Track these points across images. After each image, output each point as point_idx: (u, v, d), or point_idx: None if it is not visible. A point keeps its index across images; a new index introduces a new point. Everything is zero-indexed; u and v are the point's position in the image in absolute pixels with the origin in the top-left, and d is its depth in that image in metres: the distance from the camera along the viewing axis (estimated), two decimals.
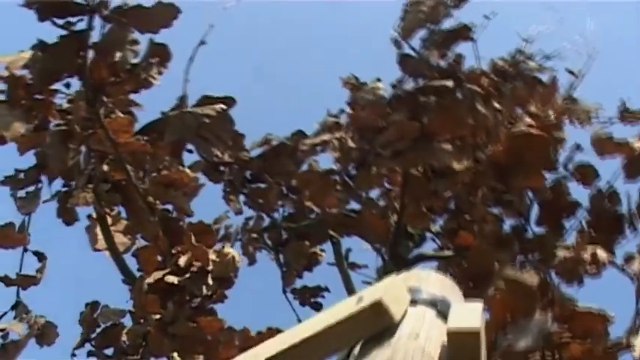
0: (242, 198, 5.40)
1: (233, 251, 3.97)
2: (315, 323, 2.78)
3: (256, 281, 6.10)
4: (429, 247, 6.54)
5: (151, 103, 4.55)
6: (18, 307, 3.92)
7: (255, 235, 5.48)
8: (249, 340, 3.80)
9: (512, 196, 5.82)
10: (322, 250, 5.81)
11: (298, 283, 5.86)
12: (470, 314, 2.88)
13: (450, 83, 4.31)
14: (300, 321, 5.41)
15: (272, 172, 5.38)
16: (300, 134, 5.59)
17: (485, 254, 5.43)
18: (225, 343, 3.78)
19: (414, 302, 3.06)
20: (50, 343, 3.99)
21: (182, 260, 3.90)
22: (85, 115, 3.72)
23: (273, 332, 3.84)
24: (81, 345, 3.94)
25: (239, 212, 5.40)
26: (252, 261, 5.43)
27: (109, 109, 3.88)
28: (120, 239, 4.26)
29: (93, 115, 3.73)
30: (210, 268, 3.89)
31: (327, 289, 5.94)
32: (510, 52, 7.00)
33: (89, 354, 4.16)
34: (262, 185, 5.38)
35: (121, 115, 3.85)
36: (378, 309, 2.62)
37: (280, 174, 5.40)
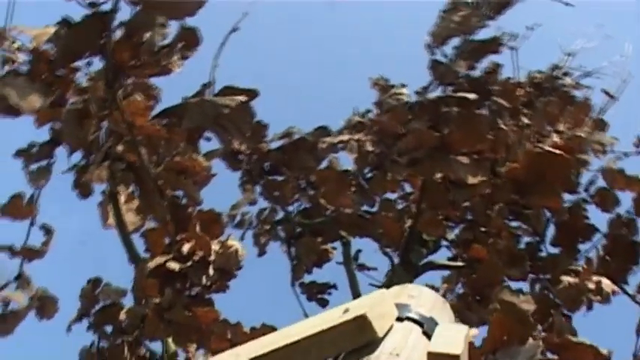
0: (258, 189, 5.43)
1: (237, 244, 3.99)
2: (299, 330, 2.78)
3: (265, 272, 6.14)
4: (442, 256, 6.53)
5: (179, 87, 4.58)
6: (20, 278, 3.97)
7: (267, 227, 5.50)
8: (242, 335, 3.82)
9: (529, 213, 5.77)
10: (334, 248, 5.82)
11: (307, 278, 5.90)
12: (453, 338, 2.86)
13: (472, 96, 4.26)
14: (306, 315, 5.40)
15: (291, 166, 5.39)
16: (322, 130, 5.58)
17: (495, 269, 5.39)
18: (218, 335, 3.80)
19: (401, 319, 3.05)
20: (50, 316, 4.05)
21: (185, 248, 3.93)
22: (103, 95, 3.75)
23: (267, 330, 3.86)
24: (78, 320, 3.98)
25: (253, 202, 5.43)
26: (262, 251, 5.45)
27: (128, 91, 3.90)
28: (131, 218, 4.29)
29: (111, 96, 3.75)
30: (212, 258, 3.91)
31: (334, 287, 5.95)
32: (550, 65, 6.94)
33: (89, 328, 4.21)
34: (279, 178, 5.39)
35: (139, 99, 3.87)
36: (361, 323, 2.62)
37: (299, 168, 5.40)
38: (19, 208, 3.89)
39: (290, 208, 5.57)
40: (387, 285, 5.53)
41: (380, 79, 5.65)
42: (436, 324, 3.11)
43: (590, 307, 5.17)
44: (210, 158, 4.13)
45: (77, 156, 4.42)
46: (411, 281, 5.65)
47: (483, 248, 5.61)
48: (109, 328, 4.19)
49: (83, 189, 4.40)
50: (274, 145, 5.35)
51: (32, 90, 3.47)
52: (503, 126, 4.37)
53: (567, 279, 4.15)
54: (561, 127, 6.01)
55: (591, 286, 3.99)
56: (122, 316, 4.14)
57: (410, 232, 5.55)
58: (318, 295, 5.94)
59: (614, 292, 4.13)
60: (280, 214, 5.54)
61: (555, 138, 5.78)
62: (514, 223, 5.87)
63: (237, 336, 3.81)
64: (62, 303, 4.19)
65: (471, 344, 4.19)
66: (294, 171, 5.32)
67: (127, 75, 3.85)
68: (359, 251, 5.80)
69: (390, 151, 4.60)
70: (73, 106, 3.67)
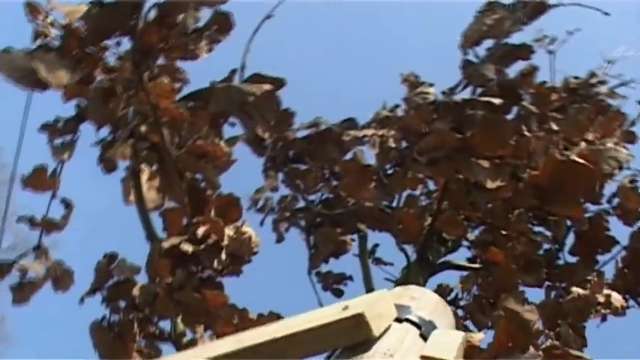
0: (281, 176, 5.48)
1: (251, 231, 4.04)
2: (299, 322, 2.84)
3: (283, 258, 6.20)
4: (462, 256, 6.53)
5: (212, 71, 4.64)
6: (39, 249, 4.07)
7: (287, 214, 5.55)
8: (247, 321, 3.88)
9: (550, 220, 5.75)
10: (352, 240, 5.85)
11: (324, 268, 5.95)
12: (447, 344, 2.90)
13: (497, 101, 4.25)
14: (320, 304, 5.46)
15: (315, 156, 5.42)
16: (350, 122, 5.61)
17: (510, 274, 5.39)
18: (225, 319, 3.86)
19: (400, 320, 3.10)
20: (65, 288, 4.14)
21: (200, 231, 3.99)
22: (130, 76, 3.82)
23: (273, 317, 3.91)
24: (91, 293, 4.07)
25: (275, 189, 5.48)
26: (280, 238, 5.51)
27: (155, 73, 3.97)
28: (152, 196, 4.35)
29: (137, 76, 3.82)
30: (225, 243, 3.97)
31: (350, 278, 5.99)
32: (588, 71, 6.88)
33: (103, 302, 4.30)
34: (303, 167, 5.43)
35: (165, 81, 3.93)
36: (359, 321, 2.67)
37: (323, 159, 5.44)
38: (41, 180, 3.98)
39: (311, 197, 5.61)
40: (402, 281, 5.57)
41: (410, 76, 5.65)
42: (434, 328, 3.15)
43: (604, 319, 5.16)
44: (232, 144, 4.18)
45: (104, 131, 4.51)
46: (425, 279, 5.68)
47: (501, 252, 5.61)
48: (121, 304, 4.26)
49: (108, 164, 4.48)
50: (300, 134, 5.38)
51: (61, 65, 3.55)
52: (527, 133, 4.34)
53: (577, 290, 4.13)
54: (590, 136, 5.97)
55: (601, 299, 3.97)
56: (135, 292, 4.22)
57: (429, 230, 5.56)
58: (334, 285, 5.99)
59: (623, 307, 4.11)
60: (301, 203, 5.58)
61: (583, 147, 5.74)
62: (536, 229, 5.86)
63: (243, 322, 3.87)
64: (83, 276, 4.29)
65: (474, 348, 4.22)
66: (318, 161, 5.36)
67: (154, 57, 3.92)
68: (376, 245, 5.84)
69: (412, 150, 4.61)
70: (100, 85, 3.75)
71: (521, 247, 5.48)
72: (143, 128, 4.02)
